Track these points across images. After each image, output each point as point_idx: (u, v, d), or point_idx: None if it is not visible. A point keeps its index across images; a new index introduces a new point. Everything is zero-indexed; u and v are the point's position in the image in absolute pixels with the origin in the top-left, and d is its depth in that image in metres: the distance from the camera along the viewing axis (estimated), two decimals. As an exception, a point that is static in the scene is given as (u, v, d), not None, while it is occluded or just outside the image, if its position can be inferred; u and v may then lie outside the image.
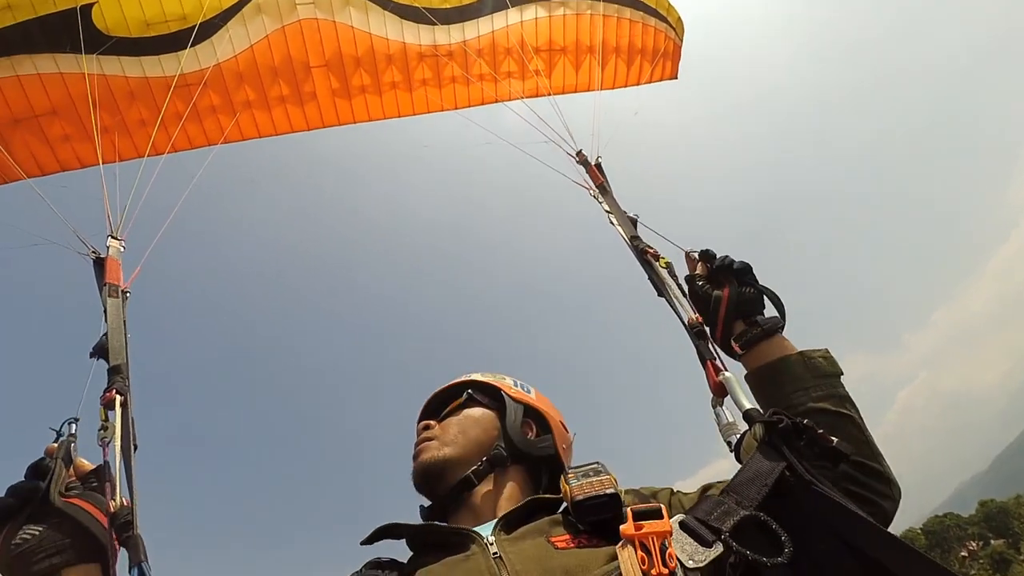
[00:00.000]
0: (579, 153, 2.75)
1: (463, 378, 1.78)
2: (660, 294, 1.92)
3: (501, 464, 1.59)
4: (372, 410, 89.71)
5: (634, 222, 2.27)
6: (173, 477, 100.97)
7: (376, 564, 1.36)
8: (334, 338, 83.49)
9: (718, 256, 1.83)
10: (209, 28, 3.17)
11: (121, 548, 1.21)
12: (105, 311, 1.65)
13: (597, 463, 1.37)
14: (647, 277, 2.01)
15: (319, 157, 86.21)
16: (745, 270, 1.79)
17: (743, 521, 1.09)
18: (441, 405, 1.73)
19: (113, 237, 1.86)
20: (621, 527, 1.09)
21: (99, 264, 1.81)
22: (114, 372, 1.52)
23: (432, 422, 1.66)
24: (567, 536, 1.25)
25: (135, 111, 3.09)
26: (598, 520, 1.26)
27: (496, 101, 3.84)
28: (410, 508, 1.65)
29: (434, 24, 3.66)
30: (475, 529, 1.32)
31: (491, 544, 1.25)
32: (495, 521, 1.34)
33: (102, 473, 1.30)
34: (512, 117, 3.77)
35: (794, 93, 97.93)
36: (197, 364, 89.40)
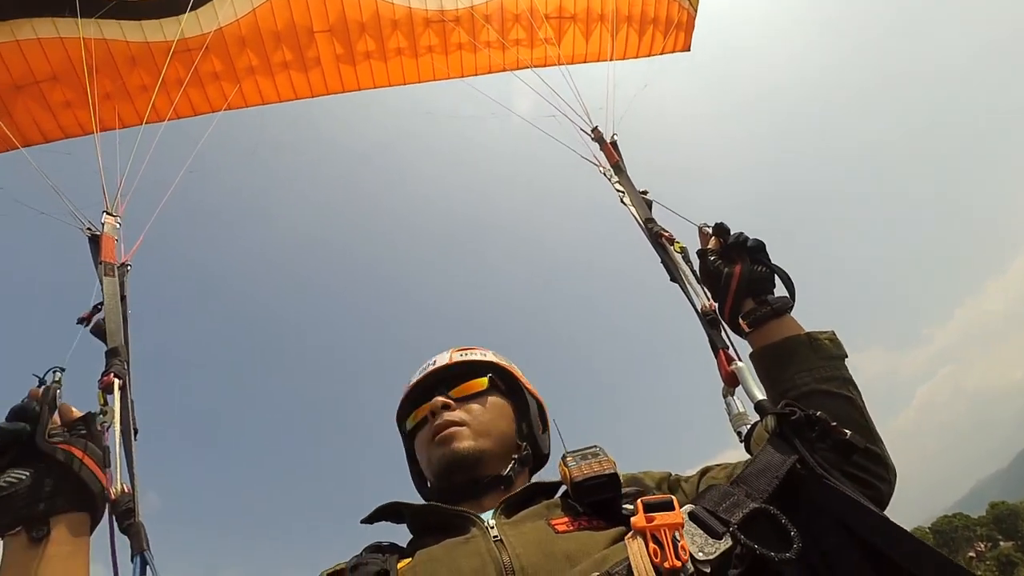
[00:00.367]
0: (595, 130, 2.64)
1: (479, 356, 1.69)
2: (673, 279, 1.86)
3: (525, 465, 1.60)
4: (376, 396, 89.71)
5: (649, 204, 2.18)
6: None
7: (376, 548, 1.35)
8: (337, 319, 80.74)
9: (732, 232, 1.78)
10: (210, -10, 3.10)
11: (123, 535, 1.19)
12: (102, 291, 1.64)
13: (595, 446, 1.36)
14: (660, 261, 1.94)
15: (322, 128, 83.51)
16: (758, 248, 1.75)
17: (752, 514, 1.08)
18: (453, 379, 1.62)
19: (108, 213, 1.83)
20: (632, 519, 1.07)
21: (94, 241, 1.79)
22: (112, 355, 1.50)
23: (451, 401, 1.56)
24: (567, 519, 1.25)
25: (136, 76, 3.05)
26: (598, 501, 1.26)
27: (504, 70, 3.75)
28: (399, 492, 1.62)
29: (441, -12, 3.55)
30: (476, 512, 1.32)
31: (492, 528, 1.25)
32: (496, 505, 1.34)
33: (91, 421, 1.26)
34: (520, 92, 3.70)
35: (810, 89, 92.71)
36: (197, 342, 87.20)
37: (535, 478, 1.61)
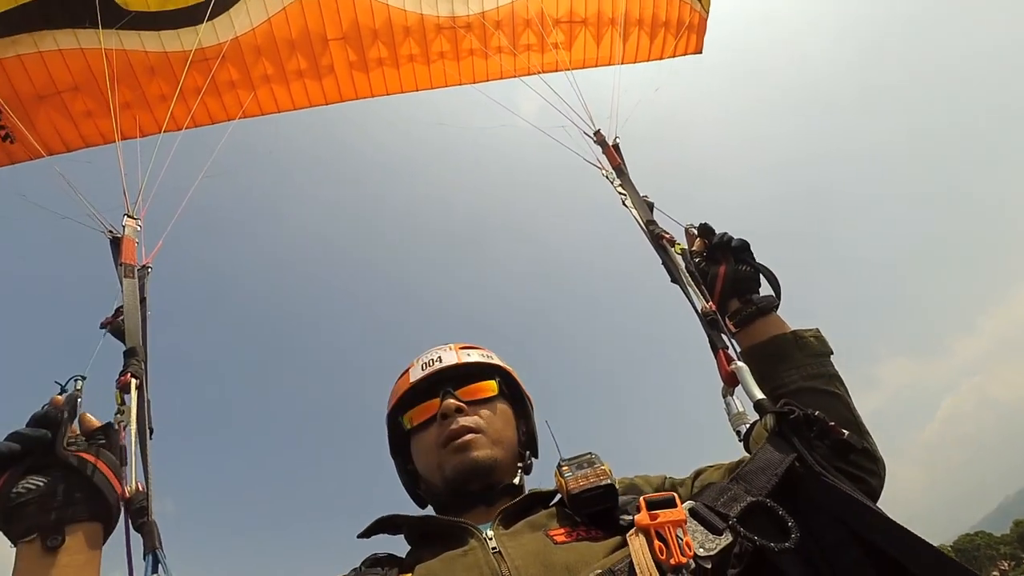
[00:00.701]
0: (597, 133, 2.67)
1: (486, 358, 1.65)
2: (674, 280, 1.87)
3: (528, 473, 1.60)
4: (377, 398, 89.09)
5: (650, 206, 2.20)
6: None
7: (375, 561, 1.34)
8: (346, 320, 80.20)
9: (716, 232, 1.81)
10: (226, 1, 3.16)
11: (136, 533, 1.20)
12: (122, 292, 1.67)
13: (590, 454, 1.35)
14: (661, 262, 1.95)
15: (333, 132, 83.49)
16: (743, 248, 1.78)
17: (750, 507, 1.09)
18: (459, 379, 1.57)
19: (129, 216, 1.87)
20: (635, 516, 1.07)
21: (115, 243, 1.83)
22: (129, 355, 1.52)
23: (464, 405, 1.50)
24: (565, 529, 1.25)
25: (155, 86, 3.11)
26: (595, 511, 1.25)
27: (514, 75, 3.77)
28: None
29: (452, -5, 3.59)
30: (474, 523, 1.31)
31: (490, 539, 1.24)
32: (493, 516, 1.33)
33: (110, 431, 1.27)
34: (525, 95, 3.72)
35: (829, 89, 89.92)
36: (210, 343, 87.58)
37: (528, 484, 1.59)
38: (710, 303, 1.70)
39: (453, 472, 1.44)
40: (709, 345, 1.66)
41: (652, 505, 1.08)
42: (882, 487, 1.42)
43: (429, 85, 3.79)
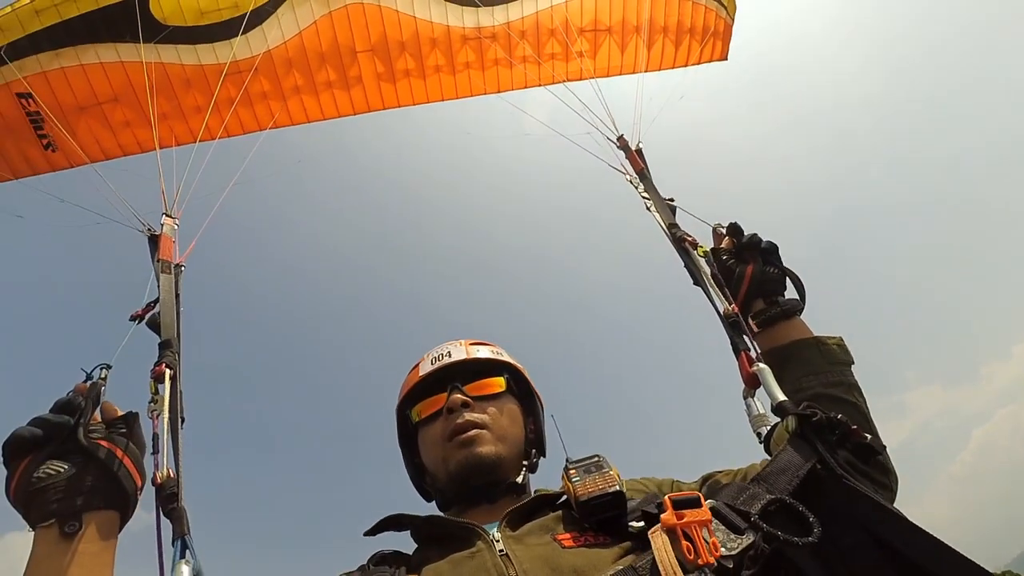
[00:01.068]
0: (620, 138, 2.69)
1: (495, 355, 1.66)
2: (696, 283, 1.88)
3: (533, 472, 1.60)
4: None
5: (673, 210, 2.21)
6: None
7: (382, 559, 1.34)
8: (361, 333, 79.56)
9: (746, 233, 1.83)
10: (260, 15, 3.25)
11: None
12: (158, 287, 1.71)
13: (598, 456, 1.34)
14: (684, 265, 1.96)
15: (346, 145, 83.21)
16: (771, 250, 1.79)
17: (770, 504, 1.08)
18: (468, 374, 1.58)
19: (168, 215, 1.93)
20: (662, 516, 1.06)
21: (153, 241, 1.88)
22: (165, 346, 1.56)
23: (470, 400, 1.52)
24: (572, 533, 1.24)
25: (190, 97, 3.20)
26: (603, 518, 1.24)
27: (539, 84, 3.80)
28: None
29: (478, 6, 3.65)
30: (481, 524, 1.30)
31: (497, 541, 1.24)
32: (501, 516, 1.32)
33: (132, 421, 1.29)
34: (546, 100, 3.75)
35: (862, 106, 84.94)
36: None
37: (534, 482, 1.59)
38: (732, 305, 1.70)
39: (457, 467, 1.45)
40: (731, 347, 1.66)
41: (678, 504, 1.08)
42: (893, 500, 1.40)
43: (455, 95, 3.84)
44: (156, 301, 1.69)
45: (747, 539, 1.03)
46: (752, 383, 1.53)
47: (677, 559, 0.99)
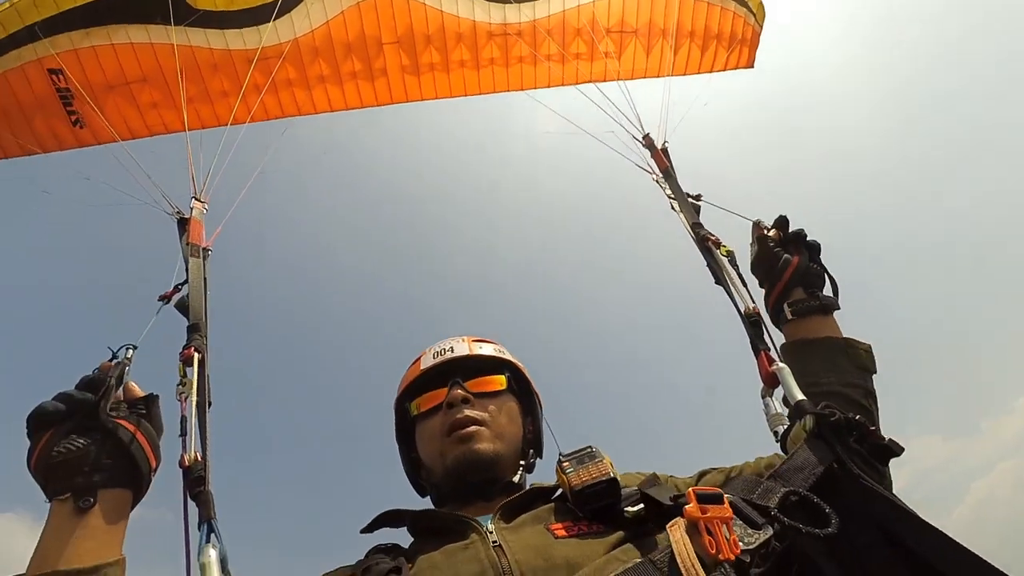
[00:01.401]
0: (646, 137, 2.70)
1: (497, 352, 1.67)
2: (718, 282, 1.89)
3: (530, 472, 1.61)
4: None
5: (697, 209, 2.21)
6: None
7: (382, 550, 1.34)
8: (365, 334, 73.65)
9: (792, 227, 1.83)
10: (289, 3, 3.26)
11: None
12: (187, 270, 1.73)
13: (590, 447, 1.34)
14: (706, 264, 1.98)
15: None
16: (816, 247, 1.80)
17: (787, 497, 1.09)
18: (469, 370, 1.58)
19: (197, 199, 1.94)
20: (686, 507, 1.06)
21: (182, 224, 1.90)
22: (193, 330, 1.57)
23: (470, 396, 1.52)
24: (566, 523, 1.24)
25: (217, 82, 3.22)
26: (598, 507, 1.24)
27: (563, 84, 3.80)
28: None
29: (506, 2, 3.65)
30: (475, 517, 1.31)
31: (491, 533, 1.24)
32: (495, 510, 1.33)
33: (152, 403, 1.30)
34: (571, 99, 3.75)
35: (863, 156, 73.78)
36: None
37: (530, 479, 1.59)
38: (753, 304, 1.72)
39: (454, 462, 1.45)
40: (751, 346, 1.66)
41: (702, 499, 1.07)
42: None
43: (478, 91, 3.84)
44: (184, 283, 1.70)
45: (764, 534, 1.03)
46: (771, 382, 1.54)
47: (696, 553, 0.99)
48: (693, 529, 1.02)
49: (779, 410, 1.49)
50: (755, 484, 1.14)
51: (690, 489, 1.09)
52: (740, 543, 1.01)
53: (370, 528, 1.43)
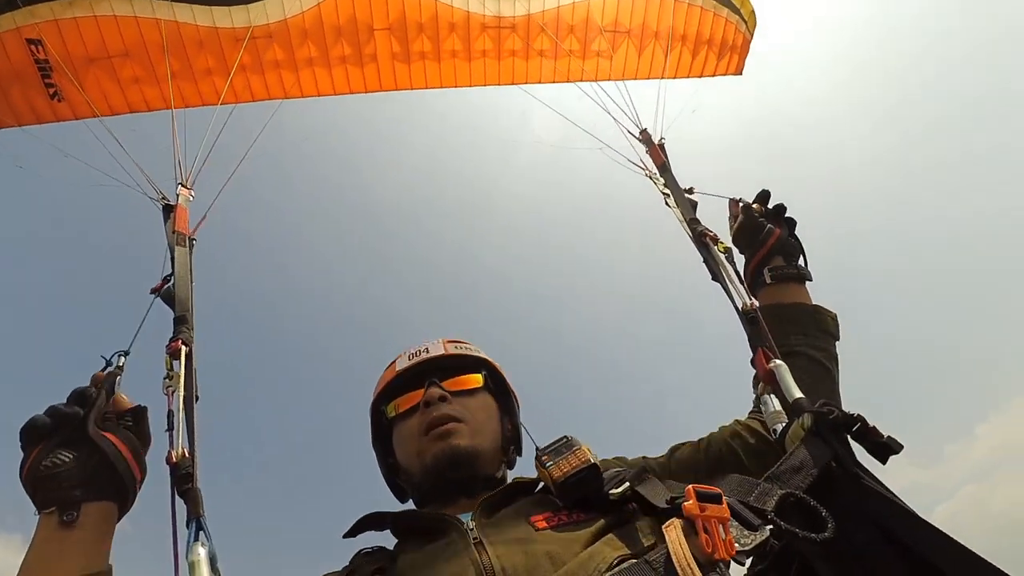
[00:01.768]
0: (643, 132, 2.70)
1: (473, 351, 1.68)
2: (715, 278, 1.90)
3: (511, 468, 1.62)
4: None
5: (693, 205, 2.22)
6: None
7: (365, 553, 1.35)
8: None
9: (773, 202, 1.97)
10: (280, -18, 3.19)
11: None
12: (173, 260, 1.69)
13: (566, 437, 1.35)
14: (703, 260, 1.98)
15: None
16: (793, 223, 1.94)
17: (782, 500, 1.10)
18: (445, 370, 1.59)
19: (183, 186, 1.90)
20: (685, 504, 1.06)
21: (168, 211, 1.85)
22: (180, 322, 1.55)
23: (447, 394, 1.52)
24: (546, 514, 1.25)
25: (202, 60, 3.13)
26: (583, 495, 1.25)
27: (554, 80, 3.79)
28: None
29: (500, -6, 3.61)
30: (456, 515, 1.31)
31: (471, 530, 1.24)
32: (475, 506, 1.34)
33: (140, 415, 1.31)
34: (562, 94, 3.75)
35: (859, 175, 72.89)
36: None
37: (511, 475, 1.60)
38: (751, 301, 1.74)
39: (433, 459, 1.45)
40: (748, 342, 1.67)
41: (702, 497, 1.07)
42: None
43: (469, 82, 3.81)
44: (172, 275, 1.67)
45: (761, 536, 1.04)
46: (769, 379, 1.53)
47: (692, 555, 0.99)
48: (690, 527, 1.03)
49: (777, 408, 1.49)
50: (752, 485, 1.14)
51: (689, 487, 1.09)
52: (736, 544, 1.01)
53: (353, 532, 1.42)
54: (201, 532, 1.17)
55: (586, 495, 1.25)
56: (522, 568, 1.12)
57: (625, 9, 3.65)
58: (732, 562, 1.01)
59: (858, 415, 1.27)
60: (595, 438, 1.35)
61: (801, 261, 1.90)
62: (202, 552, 1.12)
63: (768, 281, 1.84)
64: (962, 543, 1.06)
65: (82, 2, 2.73)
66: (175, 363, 1.43)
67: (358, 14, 3.45)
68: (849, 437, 1.28)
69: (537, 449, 1.38)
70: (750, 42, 3.53)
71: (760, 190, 2.01)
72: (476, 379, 1.61)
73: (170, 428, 1.30)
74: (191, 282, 1.68)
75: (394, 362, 1.66)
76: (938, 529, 1.09)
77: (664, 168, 2.46)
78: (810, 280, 1.84)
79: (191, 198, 1.89)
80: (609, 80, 3.54)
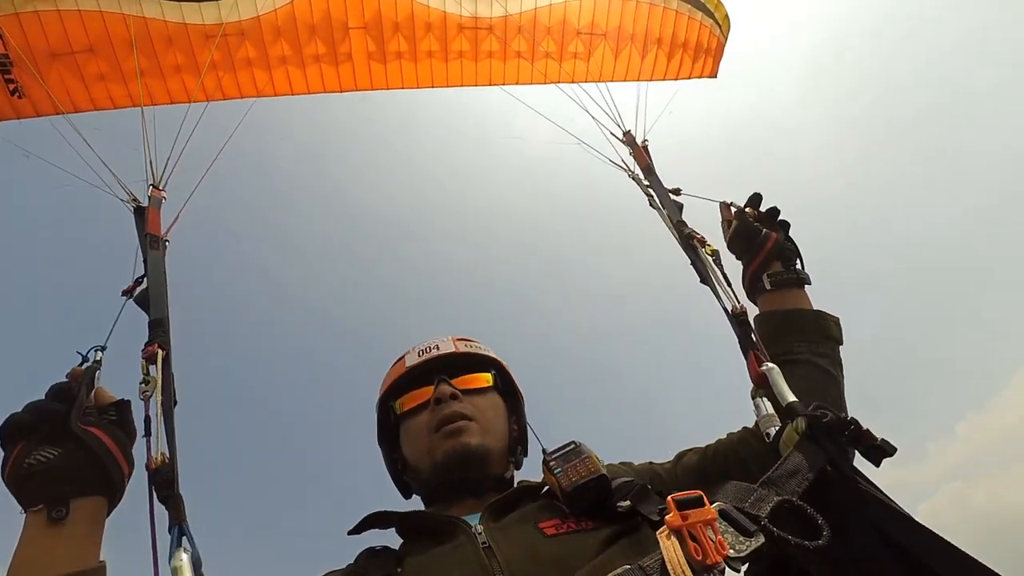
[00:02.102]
0: (627, 133, 2.73)
1: (483, 351, 1.68)
2: (703, 281, 1.90)
3: (518, 469, 1.62)
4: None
5: (680, 207, 2.21)
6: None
7: (372, 554, 1.34)
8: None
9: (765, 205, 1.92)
10: (251, -22, 3.13)
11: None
12: (146, 262, 1.65)
13: (574, 443, 1.34)
14: (690, 263, 1.98)
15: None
16: (787, 226, 1.90)
17: (778, 507, 1.09)
18: (455, 368, 1.59)
19: (155, 187, 1.85)
20: (667, 517, 1.06)
21: (139, 213, 1.80)
22: (156, 326, 1.51)
23: (458, 392, 1.52)
24: (555, 521, 1.24)
25: (171, 56, 3.05)
26: (589, 504, 1.25)
27: (531, 82, 3.80)
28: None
29: (477, -5, 3.60)
30: (462, 517, 1.31)
31: (479, 533, 1.24)
32: (483, 508, 1.33)
33: (123, 408, 1.29)
34: (545, 96, 3.76)
35: (817, 187, 73.83)
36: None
37: (517, 476, 1.61)
38: (740, 304, 1.74)
39: (444, 456, 1.45)
40: (739, 345, 1.67)
41: (681, 505, 1.07)
42: None
43: (445, 83, 3.79)
44: (144, 277, 1.62)
45: (756, 541, 1.03)
46: (761, 382, 1.53)
47: (687, 560, 0.98)
48: (679, 537, 1.02)
49: (770, 411, 1.48)
50: (748, 491, 1.14)
51: (669, 498, 1.09)
52: (731, 549, 1.01)
53: (358, 530, 1.41)
54: (184, 537, 1.14)
55: (593, 504, 1.25)
56: (530, 573, 1.12)
57: (601, 12, 3.67)
58: (727, 567, 1.01)
59: (852, 418, 1.27)
60: (584, 438, 1.35)
61: (798, 264, 1.87)
62: (184, 558, 1.09)
63: (768, 287, 1.79)
64: (959, 547, 1.07)
65: (44, -5, 2.62)
66: (151, 368, 1.40)
67: (332, 12, 3.40)
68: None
69: (544, 452, 1.38)
70: (724, 46, 3.58)
71: (752, 193, 1.97)
72: (486, 378, 1.60)
73: (148, 434, 1.27)
74: (165, 284, 1.63)
75: (403, 358, 1.65)
76: (934, 532, 1.10)
77: (649, 170, 2.47)
78: (809, 284, 1.81)
79: (164, 199, 1.83)
80: (587, 82, 3.56)
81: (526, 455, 1.66)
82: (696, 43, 3.55)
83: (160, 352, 1.42)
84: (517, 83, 3.80)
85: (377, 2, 3.47)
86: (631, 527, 1.20)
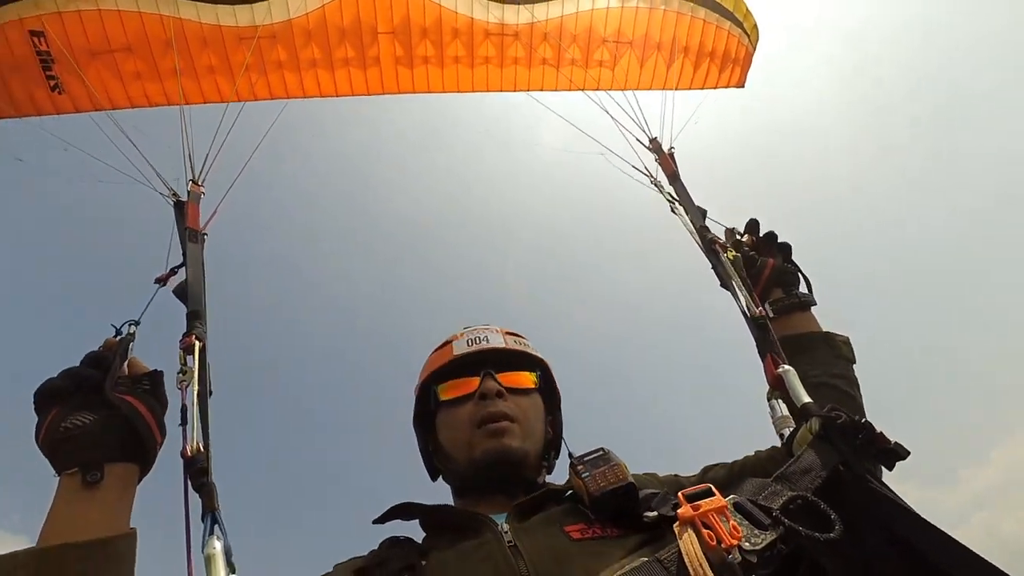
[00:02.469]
0: (653, 140, 2.74)
1: (531, 349, 1.67)
2: (723, 286, 1.91)
3: (550, 473, 1.61)
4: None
5: (703, 213, 2.23)
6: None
7: (394, 542, 1.34)
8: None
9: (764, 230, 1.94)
10: (285, -18, 3.18)
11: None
12: (185, 255, 1.68)
13: (602, 450, 1.35)
14: (711, 267, 2.00)
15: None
16: (788, 248, 1.91)
17: (791, 501, 1.09)
18: (501, 363, 1.57)
19: (194, 182, 1.89)
20: (679, 511, 1.06)
21: (179, 207, 1.84)
22: (193, 317, 1.53)
23: (504, 390, 1.51)
24: (581, 525, 1.24)
25: (205, 57, 3.11)
26: (615, 511, 1.25)
27: (556, 88, 3.82)
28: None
29: (504, 2, 3.64)
30: (489, 515, 1.31)
31: (506, 533, 1.24)
32: (509, 508, 1.33)
33: (156, 378, 1.32)
34: (570, 104, 3.78)
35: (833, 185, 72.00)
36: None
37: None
38: (760, 308, 1.74)
39: (483, 455, 1.45)
40: (757, 349, 1.69)
41: (691, 498, 1.08)
42: None
43: (471, 88, 3.82)
44: (180, 266, 1.66)
45: (771, 535, 1.03)
46: (777, 385, 1.54)
47: (704, 553, 0.98)
48: (694, 527, 1.02)
49: (785, 413, 1.49)
50: (763, 486, 1.14)
51: (679, 493, 1.10)
52: (747, 542, 1.01)
53: (382, 519, 1.42)
54: (216, 526, 1.16)
55: (619, 512, 1.25)
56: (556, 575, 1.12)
57: (628, 20, 3.69)
58: (744, 559, 0.99)
59: (865, 420, 1.27)
60: (593, 442, 1.35)
61: (803, 286, 1.86)
62: (218, 545, 1.10)
63: (771, 316, 1.78)
64: (970, 547, 1.06)
65: (86, -5, 2.69)
66: (189, 358, 1.42)
67: (363, 16, 3.45)
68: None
69: (571, 456, 1.38)
70: (752, 55, 3.58)
71: (748, 220, 1.99)
72: (531, 378, 1.60)
73: (184, 423, 1.29)
74: (203, 277, 1.66)
75: (449, 343, 1.63)
76: (946, 533, 1.09)
77: (675, 176, 2.48)
78: (814, 305, 1.80)
79: (203, 193, 1.87)
80: (612, 89, 3.58)
81: (558, 457, 1.66)
82: (724, 52, 3.55)
83: (197, 343, 1.45)
84: (543, 89, 3.83)
85: (405, 8, 3.52)
86: (656, 536, 1.19)
